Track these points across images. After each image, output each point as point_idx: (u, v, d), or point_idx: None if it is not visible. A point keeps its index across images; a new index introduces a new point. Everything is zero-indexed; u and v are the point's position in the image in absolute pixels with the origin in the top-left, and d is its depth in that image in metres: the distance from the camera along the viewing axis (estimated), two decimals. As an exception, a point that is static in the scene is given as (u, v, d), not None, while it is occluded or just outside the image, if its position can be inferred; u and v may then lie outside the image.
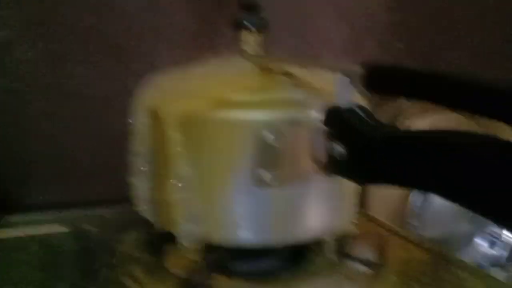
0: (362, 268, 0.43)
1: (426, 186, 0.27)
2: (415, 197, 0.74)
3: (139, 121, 0.42)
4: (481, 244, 0.85)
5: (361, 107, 0.32)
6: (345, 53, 0.71)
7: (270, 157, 0.37)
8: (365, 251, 0.44)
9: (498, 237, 0.84)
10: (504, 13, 0.83)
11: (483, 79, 0.26)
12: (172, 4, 0.62)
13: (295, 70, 0.40)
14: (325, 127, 0.34)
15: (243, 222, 0.39)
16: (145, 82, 0.44)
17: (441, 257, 0.46)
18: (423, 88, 0.27)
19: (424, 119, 0.65)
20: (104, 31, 0.60)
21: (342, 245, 0.44)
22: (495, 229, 0.84)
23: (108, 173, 0.62)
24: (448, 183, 0.24)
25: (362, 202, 0.69)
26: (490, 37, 0.83)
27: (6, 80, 0.58)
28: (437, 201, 0.78)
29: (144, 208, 0.45)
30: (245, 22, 0.44)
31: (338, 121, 0.32)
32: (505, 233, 0.84)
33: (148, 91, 0.42)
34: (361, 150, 0.30)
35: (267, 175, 0.37)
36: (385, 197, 0.72)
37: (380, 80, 0.30)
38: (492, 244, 0.84)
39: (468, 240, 0.84)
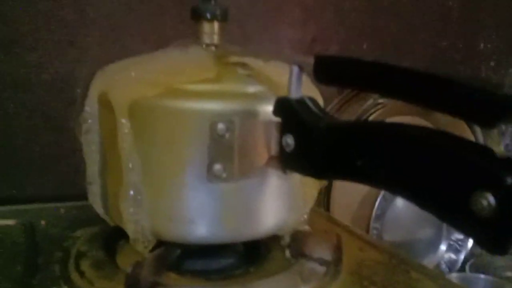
0: (316, 266, 0.42)
1: (370, 177, 0.26)
2: (379, 201, 0.74)
3: (91, 109, 0.40)
4: (446, 251, 0.85)
5: (311, 99, 0.32)
6: (311, 53, 0.71)
7: (223, 150, 0.36)
8: (321, 250, 0.43)
9: (463, 244, 0.85)
10: (468, 19, 0.85)
11: (430, 72, 0.25)
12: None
13: (252, 61, 0.39)
14: (276, 119, 0.33)
15: (195, 217, 0.38)
16: (99, 70, 0.42)
17: (396, 258, 0.46)
18: (368, 79, 0.26)
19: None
20: (56, 17, 0.58)
21: (297, 243, 0.44)
22: (459, 236, 0.85)
23: (64, 167, 0.60)
24: (389, 172, 0.23)
25: (326, 205, 0.69)
26: (453, 41, 0.84)
27: None
28: (400, 207, 0.79)
29: (95, 202, 0.44)
30: (202, 11, 0.43)
31: (287, 111, 0.31)
32: (470, 240, 0.85)
33: (100, 77, 0.41)
34: (307, 141, 0.29)
35: (219, 169, 0.37)
36: (349, 201, 0.72)
37: (328, 70, 0.29)
38: (456, 252, 0.85)
39: (432, 246, 0.85)
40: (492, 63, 0.92)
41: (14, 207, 0.57)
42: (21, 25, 0.57)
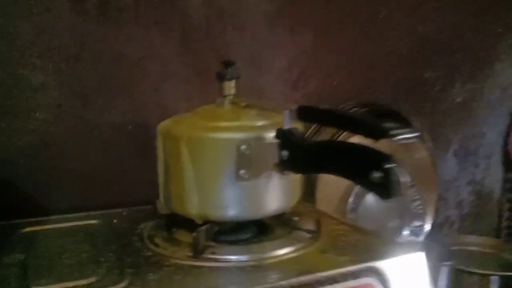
0: (305, 234, 0.65)
1: (332, 170, 0.50)
2: (353, 197, 0.97)
3: (160, 143, 0.64)
4: (408, 235, 1.09)
5: (297, 129, 0.56)
6: (295, 89, 0.96)
7: (245, 161, 0.59)
8: (308, 225, 0.67)
9: (421, 229, 1.09)
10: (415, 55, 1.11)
11: (358, 114, 0.50)
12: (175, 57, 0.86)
13: (260, 105, 0.64)
14: (277, 141, 0.57)
15: (229, 204, 0.61)
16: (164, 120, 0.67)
17: (358, 229, 0.69)
18: (328, 119, 0.51)
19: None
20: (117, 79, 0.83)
21: (293, 221, 0.67)
22: (418, 223, 1.09)
23: (116, 184, 0.84)
24: (335, 164, 0.48)
25: (313, 199, 0.92)
26: (404, 74, 1.10)
27: (39, 114, 0.79)
28: (370, 202, 1.02)
29: (162, 200, 0.67)
30: (224, 74, 0.67)
31: (284, 136, 0.55)
32: (426, 226, 1.09)
33: (166, 123, 0.65)
34: (296, 153, 0.53)
35: (243, 173, 0.60)
36: (331, 197, 0.96)
37: (306, 114, 0.53)
38: (416, 235, 1.08)
39: (398, 232, 1.08)
40: (437, 88, 1.18)
41: (91, 213, 0.79)
42: (90, 83, 0.81)
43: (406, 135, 0.43)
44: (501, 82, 1.27)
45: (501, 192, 1.34)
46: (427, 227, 1.08)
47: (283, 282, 0.51)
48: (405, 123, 1.01)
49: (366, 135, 0.44)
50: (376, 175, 0.44)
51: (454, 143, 1.24)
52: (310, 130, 0.93)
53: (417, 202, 1.08)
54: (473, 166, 1.28)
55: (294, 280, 0.52)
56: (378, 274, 0.56)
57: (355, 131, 0.47)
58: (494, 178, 1.32)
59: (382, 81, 1.09)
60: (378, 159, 0.44)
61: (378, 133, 0.43)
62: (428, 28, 1.13)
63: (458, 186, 1.27)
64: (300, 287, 0.52)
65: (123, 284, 0.50)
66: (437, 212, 1.19)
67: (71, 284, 0.50)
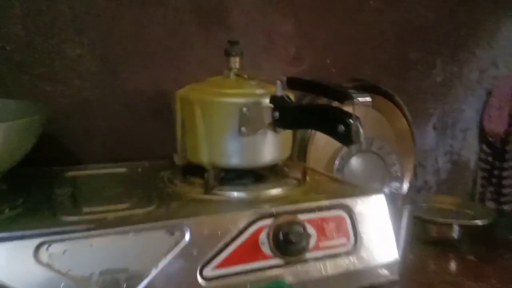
0: (293, 181, 0.82)
1: (311, 126, 0.66)
2: (339, 159, 1.13)
3: (178, 105, 0.80)
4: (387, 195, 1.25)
5: (286, 95, 0.72)
6: (291, 65, 1.12)
7: (245, 120, 0.76)
8: (296, 174, 0.83)
9: (399, 190, 1.25)
10: (399, 37, 1.25)
11: (331, 83, 0.66)
12: (190, 36, 1.02)
13: (258, 77, 0.80)
14: (270, 105, 0.73)
15: (232, 154, 0.78)
16: (180, 88, 0.82)
17: (335, 178, 0.86)
18: (309, 87, 0.66)
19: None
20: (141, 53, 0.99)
21: (284, 171, 0.84)
22: (396, 185, 1.25)
23: (139, 141, 1.01)
24: (313, 121, 0.64)
25: (304, 159, 1.09)
26: (390, 54, 1.25)
27: (76, 81, 0.95)
28: (354, 164, 1.18)
29: (179, 151, 0.84)
30: (230, 51, 0.83)
31: (276, 101, 0.71)
32: (404, 188, 1.25)
33: (184, 90, 0.81)
34: (285, 114, 0.70)
35: (244, 130, 0.76)
36: (320, 157, 1.12)
37: (293, 83, 0.69)
38: (394, 195, 1.25)
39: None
40: (419, 67, 1.33)
41: (119, 163, 0.96)
42: (119, 56, 0.97)
43: (363, 98, 0.59)
44: (480, 65, 1.42)
45: (476, 162, 1.50)
46: (405, 188, 1.25)
47: (272, 209, 0.68)
48: (386, 96, 1.17)
49: (334, 98, 0.60)
50: (341, 128, 0.60)
51: (434, 117, 1.39)
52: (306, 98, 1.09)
53: (396, 167, 1.24)
54: (451, 138, 1.44)
55: (280, 209, 0.69)
56: (347, 208, 0.73)
57: (327, 95, 0.63)
58: (470, 150, 1.48)
59: (370, 60, 1.24)
60: (343, 116, 0.60)
61: (342, 96, 0.59)
62: (413, 14, 1.27)
63: (436, 155, 1.43)
64: (284, 213, 0.68)
65: (152, 207, 0.67)
66: (415, 177, 1.36)
67: (112, 207, 0.67)
